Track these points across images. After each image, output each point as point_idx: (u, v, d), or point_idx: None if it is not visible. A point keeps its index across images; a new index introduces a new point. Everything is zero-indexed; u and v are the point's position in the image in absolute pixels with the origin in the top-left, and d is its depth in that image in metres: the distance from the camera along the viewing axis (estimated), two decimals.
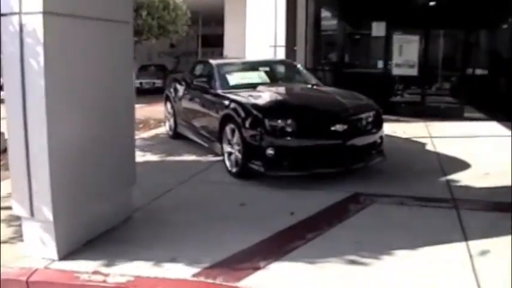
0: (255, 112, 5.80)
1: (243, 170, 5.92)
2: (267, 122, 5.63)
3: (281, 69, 8.27)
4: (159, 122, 10.80)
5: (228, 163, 6.29)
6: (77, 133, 3.90)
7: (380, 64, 12.67)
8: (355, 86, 11.62)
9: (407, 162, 7.00)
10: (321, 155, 5.73)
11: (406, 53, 12.10)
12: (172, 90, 8.77)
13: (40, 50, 3.46)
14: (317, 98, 6.62)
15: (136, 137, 9.23)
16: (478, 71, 12.54)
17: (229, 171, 6.24)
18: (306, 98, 6.61)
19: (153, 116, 11.72)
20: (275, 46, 10.70)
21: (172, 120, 8.72)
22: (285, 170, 5.69)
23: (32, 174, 3.64)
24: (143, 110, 12.87)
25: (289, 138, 5.65)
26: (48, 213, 3.66)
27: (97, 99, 4.12)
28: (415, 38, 12.09)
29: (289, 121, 5.63)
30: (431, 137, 9.12)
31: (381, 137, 6.34)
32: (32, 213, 3.71)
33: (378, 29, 12.37)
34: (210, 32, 22.93)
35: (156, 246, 4.07)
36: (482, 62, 13.02)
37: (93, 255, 3.89)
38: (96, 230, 4.21)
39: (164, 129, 9.50)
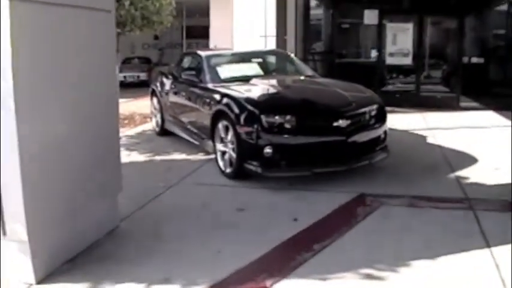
0: (250, 107, 5.34)
1: (238, 171, 5.47)
2: (263, 118, 5.17)
3: (274, 60, 7.79)
4: (145, 118, 10.29)
5: (221, 163, 5.83)
6: (53, 136, 3.40)
7: (373, 53, 12.26)
8: (347, 76, 11.32)
9: (411, 157, 6.61)
10: (322, 153, 5.30)
11: (399, 42, 11.73)
12: (158, 84, 8.26)
13: (6, 41, 2.96)
14: (317, 91, 6.16)
15: (121, 134, 8.75)
16: (474, 59, 12.18)
17: (223, 172, 5.78)
18: (305, 91, 6.14)
19: (139, 110, 11.20)
20: (265, 36, 10.23)
21: (159, 116, 8.22)
22: (285, 171, 5.25)
23: (2, 187, 3.14)
24: (128, 105, 12.35)
25: (288, 135, 5.20)
26: (22, 231, 3.17)
27: (76, 97, 3.64)
28: (409, 26, 11.71)
29: (288, 117, 5.18)
30: (430, 129, 8.77)
31: (385, 132, 5.92)
32: (4, 232, 3.22)
33: (370, 16, 11.95)
34: (195, 23, 22.38)
35: (146, 263, 3.60)
36: (478, 48, 12.70)
37: (74, 277, 3.41)
38: (79, 246, 3.73)
39: (151, 125, 9.00)
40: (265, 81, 6.40)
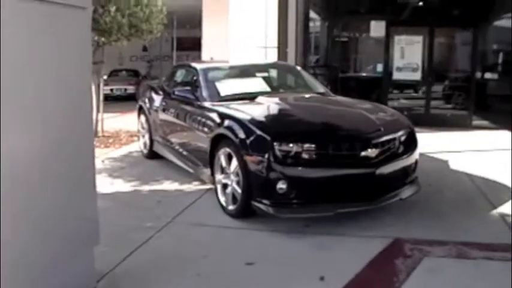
0: (259, 132, 4.38)
1: (243, 209, 4.50)
2: (276, 146, 4.20)
3: (281, 74, 6.84)
4: (131, 136, 9.32)
5: (222, 198, 4.86)
6: (9, 172, 2.44)
7: (379, 67, 11.40)
8: (351, 91, 10.46)
9: (440, 189, 5.68)
10: (347, 189, 4.35)
11: (408, 55, 10.89)
12: (147, 100, 7.28)
13: None
14: (338, 113, 5.19)
15: (104, 156, 7.80)
16: (488, 75, 11.38)
17: (224, 208, 4.81)
18: (324, 113, 5.15)
19: (126, 127, 10.24)
20: (265, 47, 9.30)
21: (147, 136, 7.23)
22: (302, 211, 4.28)
23: None
24: (114, 121, 11.39)
25: (306, 167, 4.24)
26: None
27: (39, 111, 2.68)
28: (418, 39, 10.88)
29: (306, 145, 4.22)
30: (448, 152, 7.88)
31: (416, 161, 4.99)
32: None
33: (377, 28, 11.14)
34: (185, 35, 21.72)
35: None
36: (492, 63, 11.92)
37: None
38: None
39: (138, 145, 8.00)
40: (274, 99, 5.45)
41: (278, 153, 4.20)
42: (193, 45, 19.33)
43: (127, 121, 10.86)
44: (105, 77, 19.98)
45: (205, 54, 12.15)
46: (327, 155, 4.26)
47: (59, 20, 2.82)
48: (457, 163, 7.01)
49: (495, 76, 11.47)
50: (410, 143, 4.92)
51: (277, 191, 4.19)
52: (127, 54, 25.26)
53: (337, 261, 3.77)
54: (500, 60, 12.97)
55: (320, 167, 4.25)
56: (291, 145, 4.22)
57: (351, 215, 4.47)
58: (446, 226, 4.51)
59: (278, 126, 4.58)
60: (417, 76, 10.94)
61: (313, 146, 4.24)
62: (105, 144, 8.78)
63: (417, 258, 3.81)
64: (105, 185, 5.97)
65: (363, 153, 4.31)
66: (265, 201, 4.26)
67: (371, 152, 4.33)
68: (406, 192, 4.76)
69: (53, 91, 2.82)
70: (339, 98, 5.92)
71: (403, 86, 12.08)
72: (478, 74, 11.24)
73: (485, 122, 11.05)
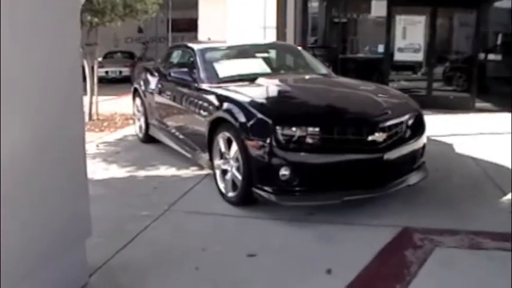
0: (260, 116, 4.14)
1: (244, 196, 4.29)
2: (279, 130, 3.97)
3: (281, 55, 6.57)
4: (127, 119, 9.07)
5: (221, 184, 4.64)
6: None
7: (380, 48, 11.12)
8: (351, 72, 10.21)
9: (447, 174, 5.48)
10: (354, 175, 4.12)
11: (410, 36, 10.62)
12: (142, 82, 7.01)
13: None
14: (343, 96, 4.94)
15: (99, 140, 7.56)
16: (491, 56, 11.12)
17: (224, 195, 4.59)
18: (329, 96, 4.89)
19: (121, 110, 9.96)
20: (264, 27, 9.01)
21: (143, 120, 6.98)
22: (306, 199, 4.06)
23: None
24: (109, 104, 11.09)
25: (310, 152, 4.00)
26: None
27: (27, 96, 2.44)
28: (421, 19, 10.60)
29: (310, 129, 3.99)
30: (452, 135, 7.65)
31: (424, 146, 4.77)
32: None
33: (378, 8, 10.84)
34: (181, 16, 21.36)
35: None
36: (496, 44, 11.66)
37: None
38: None
39: (133, 128, 7.75)
40: (275, 81, 5.20)
41: (280, 137, 3.96)
42: (189, 26, 19.02)
43: (122, 104, 10.57)
44: (100, 59, 19.82)
45: (201, 35, 11.87)
46: (332, 140, 4.03)
47: None
48: (461, 147, 6.80)
49: (498, 57, 11.19)
50: (418, 127, 4.70)
51: (279, 177, 3.96)
52: (122, 35, 24.87)
53: (344, 253, 3.57)
54: (499, 42, 12.73)
55: (325, 152, 4.02)
56: (293, 129, 3.98)
57: (357, 202, 4.25)
58: (456, 214, 4.31)
59: (280, 109, 4.34)
60: (419, 57, 10.68)
61: (317, 129, 4.00)
62: (100, 128, 8.53)
63: (428, 249, 3.61)
64: (99, 170, 5.75)
65: (370, 138, 4.07)
66: (267, 188, 4.03)
67: (378, 136, 4.10)
68: (414, 178, 4.55)
69: (39, 77, 2.57)
70: (343, 79, 5.67)
71: (404, 67, 11.83)
72: (481, 56, 10.94)
73: (487, 105, 10.84)
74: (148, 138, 6.90)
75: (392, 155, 4.21)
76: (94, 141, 7.39)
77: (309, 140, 3.99)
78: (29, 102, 2.51)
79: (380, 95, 4.77)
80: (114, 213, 4.34)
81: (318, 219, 4.14)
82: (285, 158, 3.95)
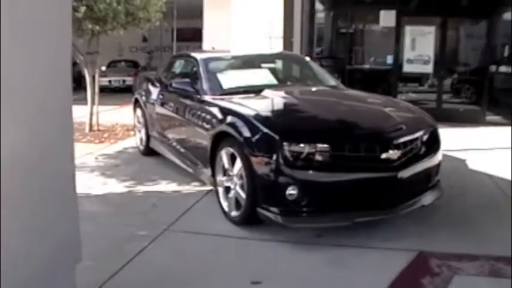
0: (266, 131, 3.88)
1: (248, 217, 4.02)
2: (286, 146, 3.70)
3: (289, 65, 6.31)
4: (128, 130, 8.83)
5: (224, 203, 4.37)
6: None
7: (388, 59, 10.86)
8: (359, 84, 9.95)
9: (462, 191, 5.19)
10: (365, 195, 3.85)
11: (419, 47, 10.36)
12: (143, 92, 6.77)
13: None
14: (354, 109, 4.67)
15: (98, 152, 7.31)
16: (503, 68, 10.84)
17: (226, 214, 4.32)
18: (339, 109, 4.63)
19: (122, 121, 9.72)
20: (270, 37, 8.77)
21: (143, 132, 6.73)
22: (315, 220, 3.79)
23: None
24: (111, 114, 10.88)
25: (320, 171, 3.74)
26: None
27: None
28: (430, 30, 10.34)
29: (320, 145, 3.73)
30: (464, 150, 7.37)
31: (439, 164, 4.49)
32: None
33: (386, 18, 10.59)
34: (186, 25, 21.21)
35: None
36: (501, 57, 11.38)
37: None
38: None
39: (134, 140, 7.50)
40: (282, 93, 4.95)
41: (288, 154, 3.70)
42: (194, 36, 18.90)
43: (124, 114, 10.33)
44: (103, 68, 19.66)
45: (206, 44, 11.65)
46: (343, 157, 3.76)
47: None
48: (475, 162, 6.51)
49: (507, 69, 10.90)
50: (434, 143, 4.43)
51: (286, 197, 3.69)
52: (126, 44, 24.79)
53: (356, 280, 3.30)
54: (506, 54, 12.47)
55: (335, 170, 3.75)
56: (302, 145, 3.71)
57: (368, 223, 3.98)
58: (475, 236, 4.03)
59: (288, 124, 4.07)
60: (428, 69, 10.41)
61: (327, 146, 3.74)
62: (100, 139, 8.29)
63: (447, 277, 3.34)
64: (96, 185, 5.50)
65: (384, 155, 3.81)
66: (273, 208, 3.76)
67: (392, 154, 3.83)
68: (429, 197, 4.27)
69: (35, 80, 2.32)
70: (353, 91, 5.40)
71: (413, 79, 11.59)
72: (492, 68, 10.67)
73: (497, 118, 10.55)
74: (149, 151, 6.65)
75: (406, 173, 3.94)
76: (93, 153, 7.14)
77: (318, 158, 3.72)
78: (19, 118, 2.25)
79: (393, 108, 4.50)
80: (111, 233, 4.09)
81: (327, 242, 3.87)
82: (293, 176, 3.69)
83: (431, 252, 3.68)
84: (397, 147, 3.89)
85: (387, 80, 11.09)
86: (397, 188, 3.92)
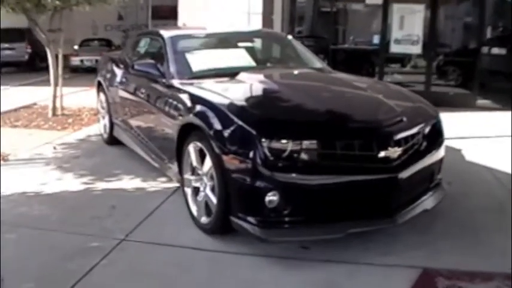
0: (241, 123, 3.21)
1: (220, 224, 3.37)
2: (265, 143, 3.04)
3: (269, 45, 5.61)
4: (95, 114, 8.06)
5: (192, 206, 3.72)
6: None
7: (375, 39, 10.24)
8: (343, 65, 9.34)
9: (463, 190, 4.60)
10: (360, 202, 3.23)
11: (408, 26, 9.72)
12: (107, 74, 6.05)
13: None
14: (347, 97, 3.98)
15: (58, 141, 6.57)
16: (495, 50, 10.29)
17: (195, 220, 3.68)
18: (328, 97, 3.94)
19: (91, 104, 8.95)
20: (249, 13, 8.05)
21: (107, 118, 6.02)
22: (301, 233, 3.14)
23: None
24: (79, 96, 10.12)
25: (306, 173, 3.08)
26: None
27: None
28: (420, 8, 9.71)
29: (306, 142, 3.08)
30: (458, 138, 6.78)
31: (441, 160, 3.89)
32: None
33: None
34: (162, 3, 20.42)
35: None
36: (500, 36, 10.84)
37: None
38: None
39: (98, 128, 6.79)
40: (260, 76, 4.27)
41: (267, 152, 3.04)
42: (170, 13, 18.11)
43: (93, 97, 9.58)
44: (75, 47, 18.78)
45: (181, 22, 10.90)
46: (334, 156, 3.12)
47: None
48: (472, 153, 5.95)
49: (503, 52, 10.35)
50: (436, 137, 3.82)
51: (265, 204, 3.05)
52: (101, 23, 23.98)
53: None
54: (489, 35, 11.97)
55: (324, 172, 3.10)
56: (284, 141, 3.06)
57: (363, 232, 3.36)
58: (486, 248, 3.46)
59: (267, 115, 3.36)
60: (417, 49, 9.79)
61: (315, 143, 3.09)
62: (63, 126, 7.57)
63: None
64: (51, 181, 4.84)
65: (382, 154, 3.17)
66: (249, 218, 3.12)
67: (392, 152, 3.20)
68: (431, 200, 3.68)
69: None
70: (342, 75, 4.71)
71: (396, 59, 11.02)
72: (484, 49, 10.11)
73: (487, 102, 10.03)
74: (113, 140, 5.97)
75: (407, 173, 3.31)
76: (52, 142, 6.43)
77: (304, 157, 3.08)
78: None
79: (391, 97, 3.85)
80: (57, 244, 3.45)
81: (315, 257, 3.25)
82: (273, 179, 3.03)
83: (437, 270, 3.09)
84: (398, 143, 3.26)
85: (371, 61, 10.50)
86: (397, 192, 3.30)
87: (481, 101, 9.86)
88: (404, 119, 3.45)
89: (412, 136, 3.46)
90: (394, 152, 3.21)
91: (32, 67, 17.48)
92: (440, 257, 3.28)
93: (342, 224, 3.14)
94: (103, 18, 22.94)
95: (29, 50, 17.78)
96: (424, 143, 3.65)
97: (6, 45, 17.50)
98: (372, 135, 3.22)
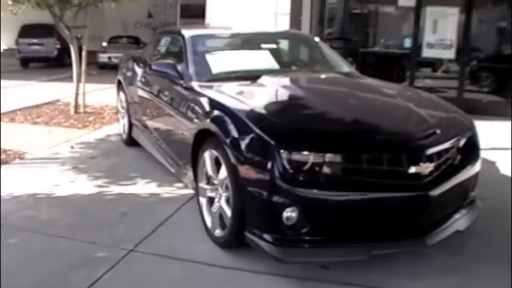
0: (260, 132, 2.97)
1: (234, 238, 3.15)
2: (285, 154, 2.80)
3: (295, 47, 5.35)
4: (117, 113, 7.94)
5: (207, 217, 3.50)
6: None
7: (406, 43, 9.88)
8: (373, 69, 9.02)
9: (499, 206, 4.27)
10: (387, 221, 2.96)
11: (441, 30, 9.35)
12: (127, 73, 5.88)
13: None
14: (376, 106, 3.68)
15: (77, 140, 6.43)
16: None
17: (209, 232, 3.45)
18: (355, 105, 3.65)
19: (114, 102, 8.82)
20: (276, 13, 7.81)
21: (126, 119, 5.86)
22: (321, 253, 2.88)
23: None
24: (104, 94, 10.02)
25: (329, 189, 2.82)
26: None
27: None
28: (454, 11, 9.33)
29: (330, 155, 2.82)
30: (492, 149, 6.40)
31: (477, 176, 3.58)
32: None
33: None
34: (192, 1, 20.36)
35: None
36: None
37: None
38: None
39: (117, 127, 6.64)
40: (283, 80, 4.03)
41: (287, 165, 2.79)
42: (200, 12, 18.12)
43: None
44: (104, 44, 18.83)
45: (209, 21, 10.75)
46: (360, 171, 2.85)
47: None
48: (507, 166, 5.59)
49: None
50: (472, 151, 3.52)
51: (283, 221, 2.81)
52: (131, 21, 24.15)
53: None
54: None
55: (349, 188, 2.84)
56: (306, 154, 2.81)
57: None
58: None
59: (288, 124, 3.10)
60: (450, 54, 9.41)
61: (339, 156, 2.83)
62: (83, 124, 7.46)
63: None
64: (64, 183, 4.68)
65: (413, 169, 2.89)
66: (265, 235, 2.87)
67: (424, 168, 2.92)
68: (464, 220, 3.38)
69: None
70: (371, 80, 4.40)
71: (427, 63, 10.64)
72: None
73: None
74: (131, 141, 5.80)
75: (439, 191, 3.03)
76: (70, 140, 6.30)
77: (326, 171, 2.82)
78: None
79: (423, 106, 3.56)
80: (62, 253, 3.28)
81: (336, 278, 2.99)
82: (292, 194, 2.78)
83: None
84: (430, 158, 2.98)
85: (402, 65, 10.15)
86: (427, 211, 3.01)
87: None
88: (438, 131, 3.16)
89: (446, 150, 3.17)
90: (426, 167, 2.93)
91: (61, 63, 17.57)
92: (475, 283, 2.99)
93: (366, 245, 2.87)
94: (133, 15, 23.08)
95: (58, 46, 17.84)
96: (458, 158, 3.35)
97: (35, 40, 17.63)
98: (402, 148, 2.94)
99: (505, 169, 5.51)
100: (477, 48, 11.29)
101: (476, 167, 3.54)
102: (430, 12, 9.36)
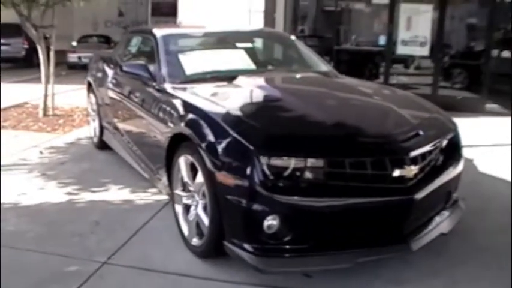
0: (237, 137, 2.83)
1: (212, 248, 3.00)
2: (264, 160, 2.66)
3: (270, 45, 5.22)
4: (88, 115, 7.70)
5: (184, 225, 3.35)
6: None
7: (381, 40, 9.87)
8: (347, 66, 8.97)
9: (480, 205, 4.22)
10: (371, 227, 2.85)
11: (415, 27, 9.34)
12: (97, 74, 5.67)
13: None
14: (357, 107, 3.57)
15: (45, 144, 6.16)
16: (506, 53, 9.92)
17: (186, 241, 3.30)
18: (336, 106, 3.54)
19: (84, 104, 8.57)
20: (250, 11, 7.67)
21: (97, 121, 5.65)
22: (303, 263, 2.76)
23: None
24: (74, 95, 9.72)
25: (311, 195, 2.70)
26: None
27: None
28: (428, 8, 9.34)
29: (311, 160, 2.70)
30: (469, 146, 6.37)
31: (459, 176, 3.51)
32: None
33: None
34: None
35: None
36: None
37: None
38: None
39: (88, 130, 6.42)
40: (260, 80, 3.89)
41: (266, 170, 2.66)
42: (171, 10, 17.86)
43: None
44: (73, 44, 18.41)
45: (181, 19, 10.55)
46: (343, 175, 2.73)
47: None
48: (485, 163, 5.57)
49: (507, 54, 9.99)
50: (454, 152, 3.44)
51: (264, 230, 2.68)
52: (101, 19, 23.71)
53: None
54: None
55: (332, 193, 2.72)
56: (286, 159, 2.68)
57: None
58: (509, 277, 3.06)
59: (267, 127, 2.96)
60: (425, 51, 9.41)
61: (321, 160, 2.71)
62: (53, 127, 7.20)
63: None
64: (32, 191, 4.47)
65: (397, 172, 2.79)
66: (245, 245, 2.74)
67: (408, 171, 2.83)
68: (448, 222, 3.30)
69: None
70: (350, 80, 4.31)
71: (399, 60, 10.67)
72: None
73: (495, 106, 9.67)
74: (103, 144, 5.61)
75: (423, 194, 2.93)
76: (39, 145, 6.06)
77: (308, 176, 2.70)
78: None
79: (405, 106, 3.47)
80: (30, 268, 3.07)
81: (319, 287, 2.87)
82: (273, 201, 2.65)
83: None
84: (414, 161, 2.88)
85: (375, 62, 10.15)
86: (412, 215, 2.92)
87: (489, 106, 9.50)
88: (421, 132, 3.07)
89: (430, 152, 3.08)
90: (410, 170, 2.84)
91: (29, 63, 17.10)
92: (459, 286, 2.90)
93: (350, 252, 2.76)
94: (103, 14, 22.65)
95: (26, 46, 17.37)
96: (441, 159, 3.28)
97: (1, 40, 17.15)
98: (386, 151, 2.84)
99: (482, 167, 5.48)
100: (449, 45, 11.39)
101: (459, 167, 3.47)
102: (404, 9, 9.35)
